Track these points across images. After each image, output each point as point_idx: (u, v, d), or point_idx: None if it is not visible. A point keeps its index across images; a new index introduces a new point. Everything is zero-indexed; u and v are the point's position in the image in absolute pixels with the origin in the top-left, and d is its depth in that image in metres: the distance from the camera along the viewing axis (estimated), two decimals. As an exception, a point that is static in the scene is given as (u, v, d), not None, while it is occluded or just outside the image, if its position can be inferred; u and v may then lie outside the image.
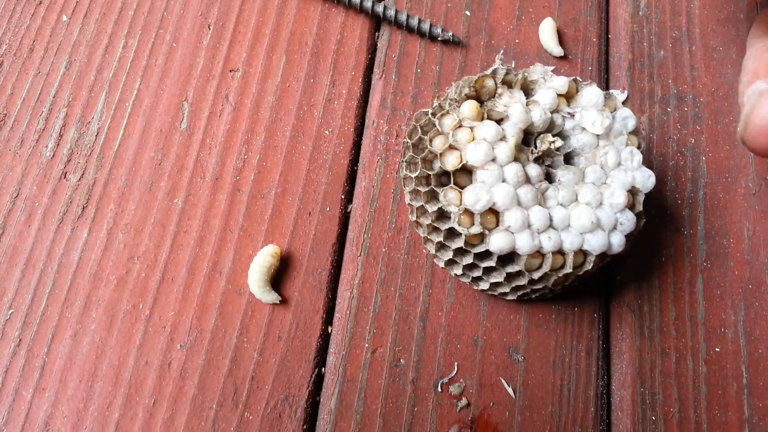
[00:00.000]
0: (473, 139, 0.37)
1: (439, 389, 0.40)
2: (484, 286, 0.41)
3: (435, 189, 0.39)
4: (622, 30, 0.52)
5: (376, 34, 0.51)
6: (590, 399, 0.41)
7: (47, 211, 0.43)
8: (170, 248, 0.43)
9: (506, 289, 0.41)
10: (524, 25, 0.51)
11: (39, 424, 0.38)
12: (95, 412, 0.39)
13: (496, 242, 0.37)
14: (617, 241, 0.38)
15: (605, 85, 0.50)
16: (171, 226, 0.43)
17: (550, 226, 0.38)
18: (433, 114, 0.40)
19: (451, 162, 0.38)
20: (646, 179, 0.39)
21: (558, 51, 0.50)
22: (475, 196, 0.37)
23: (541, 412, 0.40)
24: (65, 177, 0.44)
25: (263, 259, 0.41)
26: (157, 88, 0.47)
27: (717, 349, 0.42)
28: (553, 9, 0.52)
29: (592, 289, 0.43)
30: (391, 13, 0.50)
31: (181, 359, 0.40)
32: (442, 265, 0.42)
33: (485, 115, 0.38)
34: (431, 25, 0.49)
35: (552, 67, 0.40)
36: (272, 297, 0.41)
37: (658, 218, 0.45)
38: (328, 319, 0.42)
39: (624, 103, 0.49)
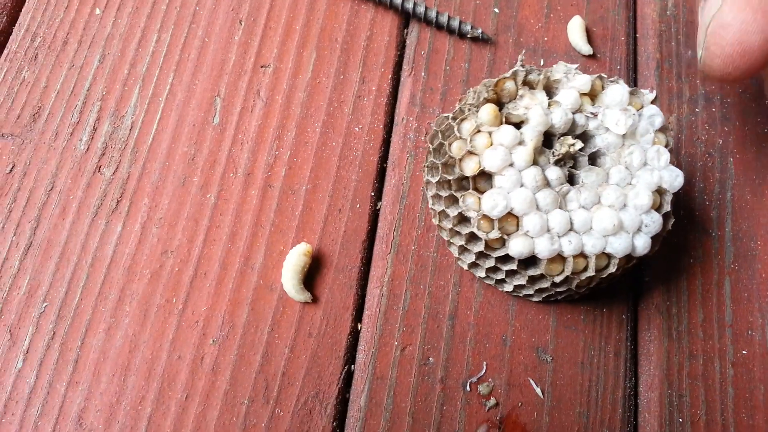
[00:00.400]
0: (491, 145, 0.37)
1: (468, 388, 0.40)
2: (508, 288, 0.41)
3: (455, 194, 0.39)
4: (650, 29, 0.52)
5: (405, 30, 0.51)
6: (618, 400, 0.41)
7: (81, 205, 0.44)
8: (203, 243, 0.43)
9: (530, 291, 0.41)
10: (553, 22, 0.51)
11: (72, 418, 0.39)
12: (128, 406, 0.39)
13: (516, 247, 0.37)
14: (642, 243, 0.38)
15: (633, 84, 0.50)
16: (204, 221, 0.44)
17: (571, 229, 0.37)
18: (454, 118, 0.39)
19: (470, 167, 0.38)
20: (673, 179, 0.38)
21: (587, 49, 0.50)
22: (492, 202, 0.37)
23: (569, 412, 0.40)
24: (99, 170, 0.44)
25: (297, 258, 0.41)
26: (190, 82, 0.47)
27: (744, 352, 0.42)
28: (581, 7, 0.52)
29: (621, 290, 0.43)
30: (420, 9, 0.50)
31: (213, 354, 0.40)
32: (465, 267, 0.42)
33: (503, 119, 0.38)
34: (461, 22, 0.49)
35: (576, 65, 0.40)
36: (305, 296, 0.41)
37: (687, 219, 0.45)
38: (358, 316, 0.42)
39: (653, 102, 0.49)
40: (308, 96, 0.48)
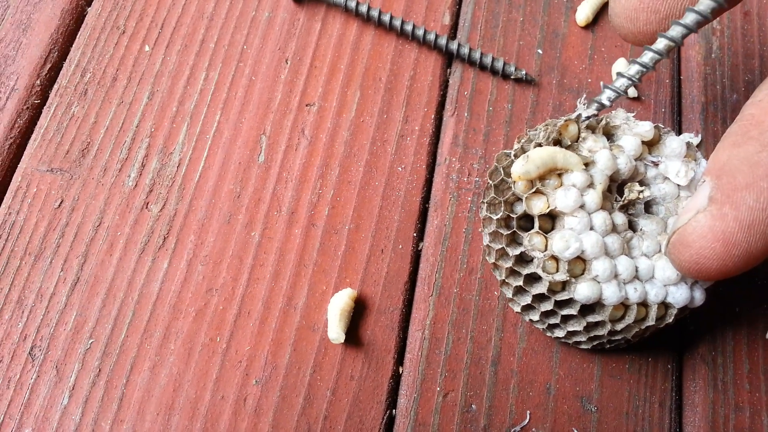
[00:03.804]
0: (561, 185, 0.37)
1: (511, 437, 0.40)
2: (559, 333, 0.41)
3: (518, 232, 0.39)
4: (695, 72, 0.52)
5: (448, 70, 0.51)
6: (663, 452, 0.40)
7: (129, 241, 0.44)
8: (247, 282, 0.43)
9: (582, 338, 0.40)
10: (597, 64, 0.51)
11: (117, 455, 0.39)
12: (172, 445, 0.39)
13: (583, 291, 0.37)
14: (699, 295, 0.38)
15: (678, 127, 0.50)
16: (248, 260, 0.44)
17: (636, 276, 0.37)
18: (515, 156, 0.39)
19: (537, 207, 0.37)
20: None
21: (632, 92, 0.50)
22: (564, 244, 0.36)
23: (613, 464, 0.40)
24: (147, 207, 0.45)
25: (344, 302, 0.41)
26: (237, 120, 0.48)
27: (792, 406, 0.41)
28: (625, 49, 0.52)
29: (666, 339, 0.43)
30: (465, 50, 0.50)
31: (256, 395, 0.40)
32: (517, 309, 0.41)
33: None
34: (505, 63, 0.50)
35: (634, 113, 0.40)
36: (336, 334, 0.41)
37: (733, 268, 0.45)
38: (399, 359, 0.42)
39: (698, 146, 0.49)
40: (352, 135, 0.48)
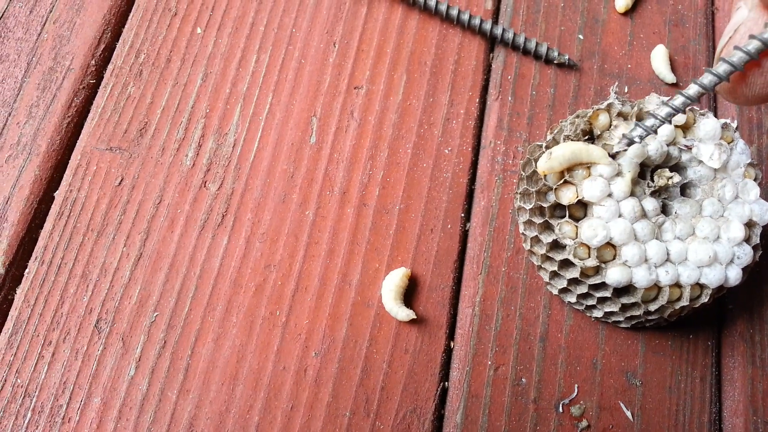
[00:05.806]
0: (589, 175, 0.38)
1: (560, 410, 0.42)
2: (597, 314, 0.42)
3: (549, 221, 0.40)
4: (730, 58, 0.53)
5: (491, 55, 0.52)
6: (704, 425, 0.42)
7: (189, 219, 0.45)
8: (303, 258, 0.45)
9: (620, 318, 0.42)
10: (636, 50, 0.52)
11: (184, 425, 0.40)
12: (236, 415, 0.41)
13: (613, 276, 0.38)
14: (734, 275, 0.39)
15: (713, 114, 0.51)
16: (303, 237, 0.45)
17: (668, 259, 0.38)
18: (547, 147, 0.41)
19: (567, 197, 0.39)
20: (764, 212, 0.40)
21: (671, 78, 0.51)
22: (591, 232, 0.38)
23: (659, 436, 0.41)
24: (205, 186, 0.46)
25: (398, 279, 0.42)
26: (288, 102, 0.49)
27: (828, 383, 0.43)
28: (663, 36, 0.53)
29: (706, 317, 0.44)
30: (509, 35, 0.51)
31: (316, 366, 0.42)
32: (555, 292, 0.43)
33: None
34: (548, 48, 0.51)
35: (667, 98, 0.41)
36: (407, 313, 0.42)
37: (769, 249, 0.46)
38: (451, 334, 0.44)
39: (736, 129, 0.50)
40: (399, 117, 0.49)
